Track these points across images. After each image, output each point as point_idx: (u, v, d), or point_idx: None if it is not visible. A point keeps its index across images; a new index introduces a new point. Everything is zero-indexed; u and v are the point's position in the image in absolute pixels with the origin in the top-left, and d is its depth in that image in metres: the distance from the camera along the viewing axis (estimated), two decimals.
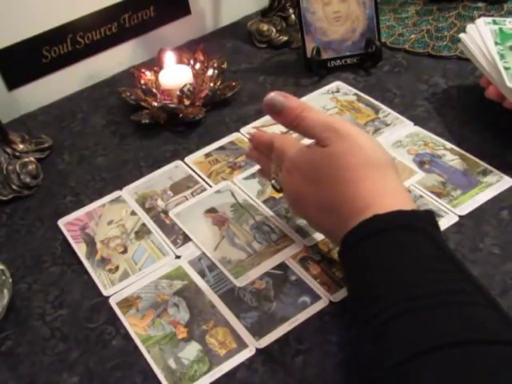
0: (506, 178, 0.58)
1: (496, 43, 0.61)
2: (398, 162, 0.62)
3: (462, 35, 0.65)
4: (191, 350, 0.48)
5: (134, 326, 0.51)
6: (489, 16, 0.79)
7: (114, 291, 0.54)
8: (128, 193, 0.64)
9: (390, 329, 0.36)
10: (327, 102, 0.72)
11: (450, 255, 0.40)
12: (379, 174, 0.43)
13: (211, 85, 0.75)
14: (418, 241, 0.40)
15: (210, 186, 0.63)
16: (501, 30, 0.63)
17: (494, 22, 0.64)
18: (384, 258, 0.40)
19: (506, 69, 0.57)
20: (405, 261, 0.39)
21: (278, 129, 0.69)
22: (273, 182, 0.52)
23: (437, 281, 0.37)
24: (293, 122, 0.47)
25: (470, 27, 0.65)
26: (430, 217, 0.42)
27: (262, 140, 0.53)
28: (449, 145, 0.62)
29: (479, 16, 0.80)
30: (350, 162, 0.43)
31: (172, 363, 0.47)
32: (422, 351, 0.34)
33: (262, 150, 0.53)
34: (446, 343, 0.34)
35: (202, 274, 0.54)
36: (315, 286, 0.51)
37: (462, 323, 0.35)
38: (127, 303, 0.53)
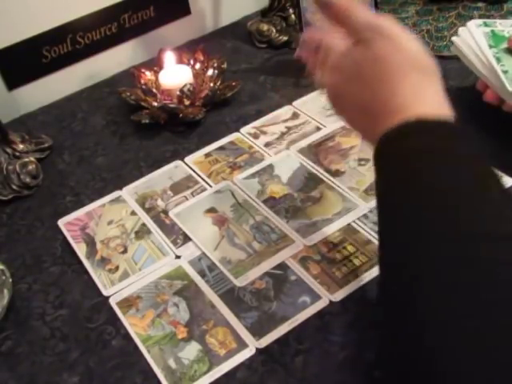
0: (506, 178, 0.57)
1: (490, 46, 0.60)
2: None
3: (454, 38, 0.65)
4: (191, 350, 0.48)
5: (134, 326, 0.51)
6: (489, 16, 0.80)
7: (114, 291, 0.54)
8: (128, 193, 0.64)
9: (413, 224, 0.36)
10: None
11: (478, 157, 0.39)
12: (421, 77, 0.42)
13: (211, 85, 0.75)
14: (458, 144, 0.39)
15: (210, 186, 0.63)
16: (493, 32, 0.62)
17: (485, 24, 0.63)
18: (419, 157, 0.39)
19: (505, 72, 0.57)
20: (439, 159, 0.38)
21: (278, 129, 0.69)
22: (317, 79, 0.51)
23: (475, 179, 0.37)
24: (339, 17, 0.46)
25: (461, 30, 0.64)
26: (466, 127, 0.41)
27: (311, 38, 0.52)
28: None
29: (479, 16, 0.80)
30: (393, 63, 0.42)
31: (172, 363, 0.47)
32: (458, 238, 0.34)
33: (311, 49, 0.52)
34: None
35: (202, 274, 0.54)
36: (315, 285, 0.51)
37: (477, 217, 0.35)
38: (127, 303, 0.53)
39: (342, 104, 0.47)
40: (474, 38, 0.62)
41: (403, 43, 0.43)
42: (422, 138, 0.39)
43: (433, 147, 0.39)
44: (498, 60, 0.58)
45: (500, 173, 0.58)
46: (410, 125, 0.39)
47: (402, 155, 0.40)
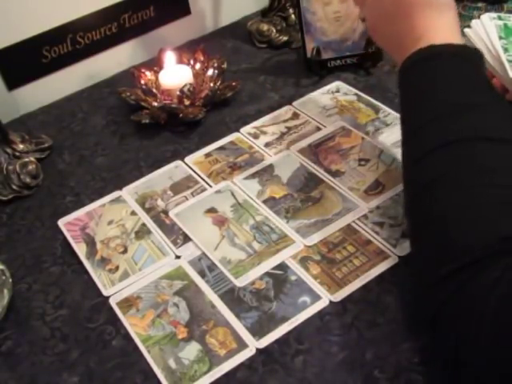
0: None
1: (500, 37, 0.61)
2: (398, 161, 0.62)
3: (466, 30, 0.66)
4: (191, 350, 0.48)
5: (134, 326, 0.51)
6: None
7: (114, 291, 0.54)
8: (128, 193, 0.64)
9: (427, 130, 0.47)
10: (327, 101, 0.72)
11: (489, 81, 0.48)
12: (435, 11, 0.51)
13: (211, 85, 0.75)
14: (464, 66, 0.48)
15: (210, 186, 0.63)
16: (505, 25, 0.63)
17: (499, 18, 0.64)
18: (434, 75, 0.48)
19: (510, 61, 0.58)
20: (451, 78, 0.48)
21: (278, 129, 0.69)
22: (360, 15, 0.64)
23: (470, 93, 0.47)
24: None
25: (475, 22, 0.65)
26: (478, 52, 0.50)
27: None
28: None
29: (479, 16, 0.80)
30: (411, 2, 0.51)
31: (172, 363, 0.47)
32: (449, 142, 0.44)
33: None
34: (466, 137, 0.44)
35: (202, 274, 0.54)
36: (315, 285, 0.51)
37: (484, 124, 0.44)
38: (127, 303, 0.53)
39: (377, 36, 0.58)
40: (485, 30, 0.63)
41: None
42: (430, 59, 0.49)
43: (436, 65, 0.49)
44: (506, 50, 0.59)
45: None
46: (422, 51, 0.49)
47: (416, 73, 0.50)
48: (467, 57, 0.49)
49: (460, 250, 0.40)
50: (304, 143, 0.66)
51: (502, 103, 0.47)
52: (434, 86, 0.48)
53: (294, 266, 0.53)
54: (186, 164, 0.67)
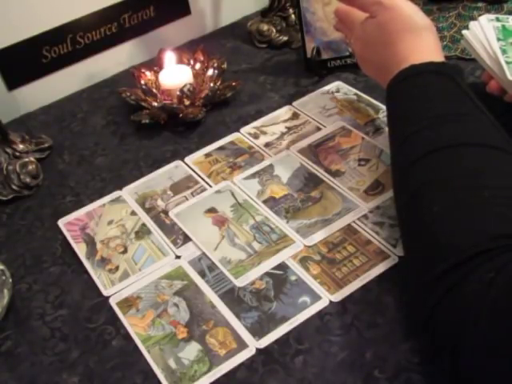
0: None
1: (498, 39, 0.61)
2: None
3: (464, 31, 0.65)
4: (191, 350, 0.48)
5: (134, 326, 0.51)
6: None
7: (114, 291, 0.54)
8: (128, 193, 0.64)
9: (413, 140, 0.49)
10: (327, 101, 0.72)
11: (469, 94, 0.50)
12: (415, 35, 0.54)
13: (211, 85, 0.75)
14: (444, 81, 0.51)
15: (210, 186, 0.63)
16: (504, 26, 0.63)
17: (497, 19, 0.64)
18: (417, 91, 0.51)
19: (508, 63, 0.58)
20: (432, 93, 0.51)
21: (278, 129, 0.69)
22: (348, 47, 0.71)
23: (451, 105, 0.49)
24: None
25: (472, 24, 0.65)
26: (457, 68, 0.53)
27: (343, 15, 0.64)
28: None
29: (479, 16, 0.80)
30: (391, 28, 0.55)
31: (172, 363, 0.47)
32: (434, 149, 0.46)
33: (344, 23, 0.64)
34: (454, 144, 0.46)
35: (202, 274, 0.54)
36: (315, 286, 0.51)
37: (466, 132, 0.47)
38: (127, 303, 0.53)
39: (366, 63, 0.61)
40: (483, 31, 0.63)
41: (398, 10, 0.55)
42: (411, 79, 0.52)
43: (418, 82, 0.52)
44: (504, 52, 0.60)
45: None
46: (404, 72, 0.52)
47: (400, 92, 0.53)
48: (446, 72, 0.51)
49: (449, 250, 0.40)
50: (304, 143, 0.66)
51: (482, 113, 0.49)
52: (416, 101, 0.51)
53: (294, 266, 0.53)
54: (186, 164, 0.67)
